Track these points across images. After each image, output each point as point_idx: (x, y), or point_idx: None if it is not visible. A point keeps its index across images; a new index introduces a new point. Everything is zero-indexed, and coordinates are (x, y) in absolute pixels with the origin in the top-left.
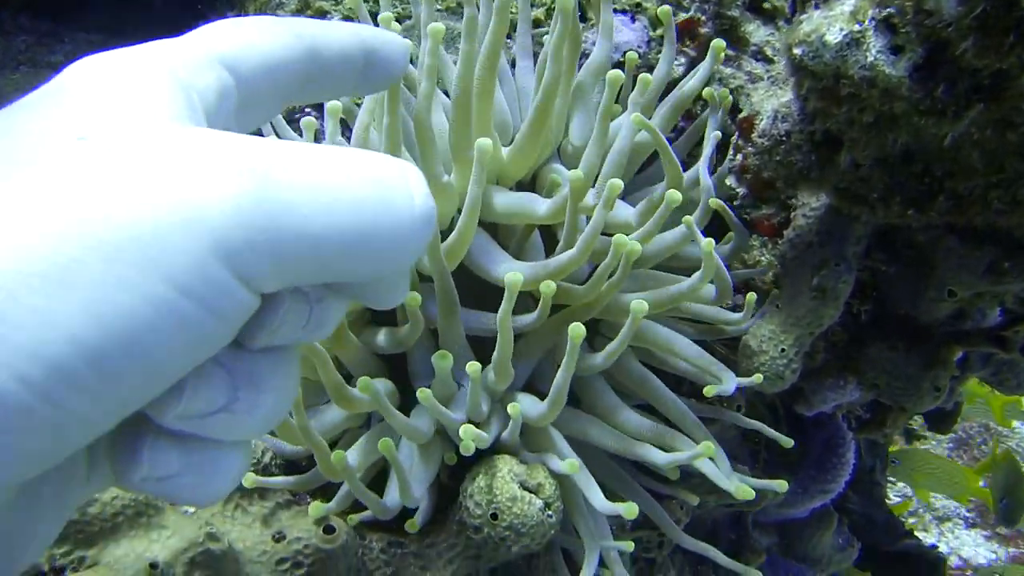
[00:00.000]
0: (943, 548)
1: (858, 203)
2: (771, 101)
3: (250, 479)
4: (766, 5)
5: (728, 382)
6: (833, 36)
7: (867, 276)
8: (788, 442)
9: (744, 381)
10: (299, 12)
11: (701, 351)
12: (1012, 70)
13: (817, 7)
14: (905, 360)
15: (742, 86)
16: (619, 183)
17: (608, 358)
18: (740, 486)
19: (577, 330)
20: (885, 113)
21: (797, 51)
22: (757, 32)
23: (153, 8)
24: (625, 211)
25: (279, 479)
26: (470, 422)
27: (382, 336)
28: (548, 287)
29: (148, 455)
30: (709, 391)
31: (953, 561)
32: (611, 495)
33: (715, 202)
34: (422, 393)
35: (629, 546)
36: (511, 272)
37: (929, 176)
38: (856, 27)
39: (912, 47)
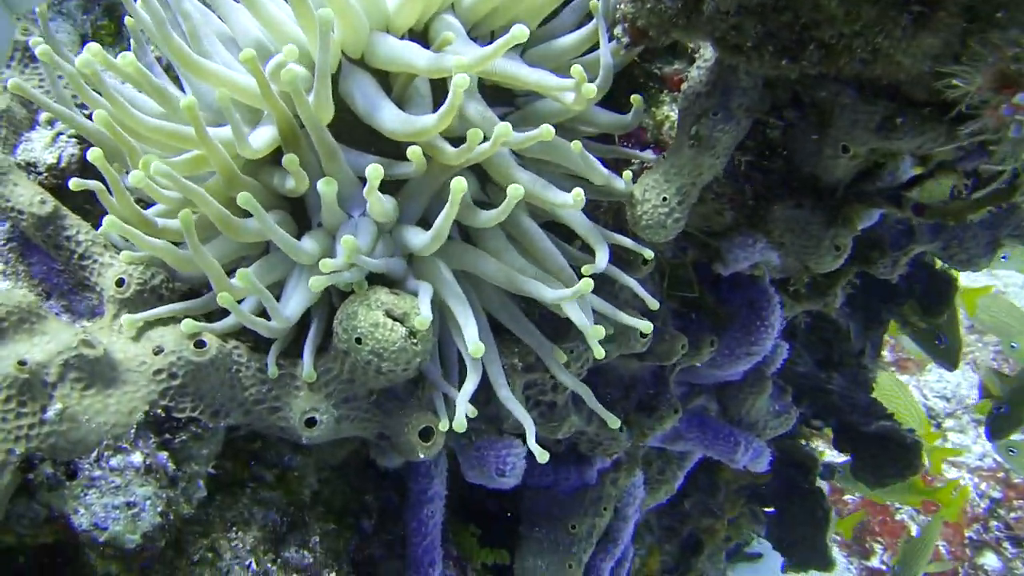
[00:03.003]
0: None
1: (736, 52)
2: None
3: (129, 321)
4: None
5: (600, 258)
6: None
7: (777, 135)
8: (648, 326)
9: (627, 242)
10: None
11: (585, 220)
12: None
13: None
14: (808, 218)
15: None
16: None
17: (488, 222)
18: (596, 328)
19: (459, 184)
20: None
21: None
22: None
23: None
24: (517, 68)
25: (164, 307)
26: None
27: (276, 179)
28: (414, 153)
29: None
30: (587, 270)
31: None
32: (503, 332)
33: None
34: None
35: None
36: (372, 166)
37: (799, 24)
38: None
39: None
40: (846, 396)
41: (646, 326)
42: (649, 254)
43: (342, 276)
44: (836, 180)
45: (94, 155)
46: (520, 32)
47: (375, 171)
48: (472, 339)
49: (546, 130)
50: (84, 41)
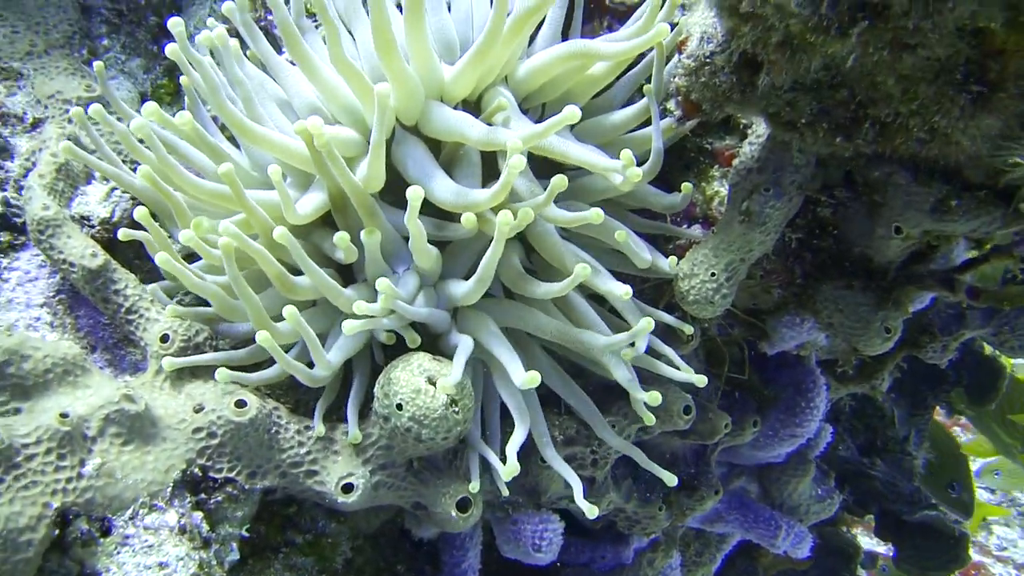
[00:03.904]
0: None
1: (789, 129)
2: (703, 22)
3: (168, 363)
4: None
5: (640, 346)
6: None
7: (828, 214)
8: (702, 380)
9: (667, 318)
10: None
11: (632, 306)
12: None
13: None
14: (859, 299)
15: (696, 2)
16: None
17: (546, 295)
18: (651, 394)
19: (505, 217)
20: (789, 33)
21: None
22: None
23: None
24: (565, 145)
25: (205, 355)
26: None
27: (328, 243)
28: (469, 220)
29: None
30: (627, 356)
31: None
32: (550, 396)
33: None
34: (382, 284)
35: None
36: (413, 188)
37: (855, 102)
38: None
39: None
40: (889, 483)
41: (700, 379)
42: (689, 329)
43: (381, 323)
44: (887, 261)
45: (140, 214)
46: (572, 114)
47: (415, 192)
48: (519, 374)
49: (595, 214)
50: (144, 99)
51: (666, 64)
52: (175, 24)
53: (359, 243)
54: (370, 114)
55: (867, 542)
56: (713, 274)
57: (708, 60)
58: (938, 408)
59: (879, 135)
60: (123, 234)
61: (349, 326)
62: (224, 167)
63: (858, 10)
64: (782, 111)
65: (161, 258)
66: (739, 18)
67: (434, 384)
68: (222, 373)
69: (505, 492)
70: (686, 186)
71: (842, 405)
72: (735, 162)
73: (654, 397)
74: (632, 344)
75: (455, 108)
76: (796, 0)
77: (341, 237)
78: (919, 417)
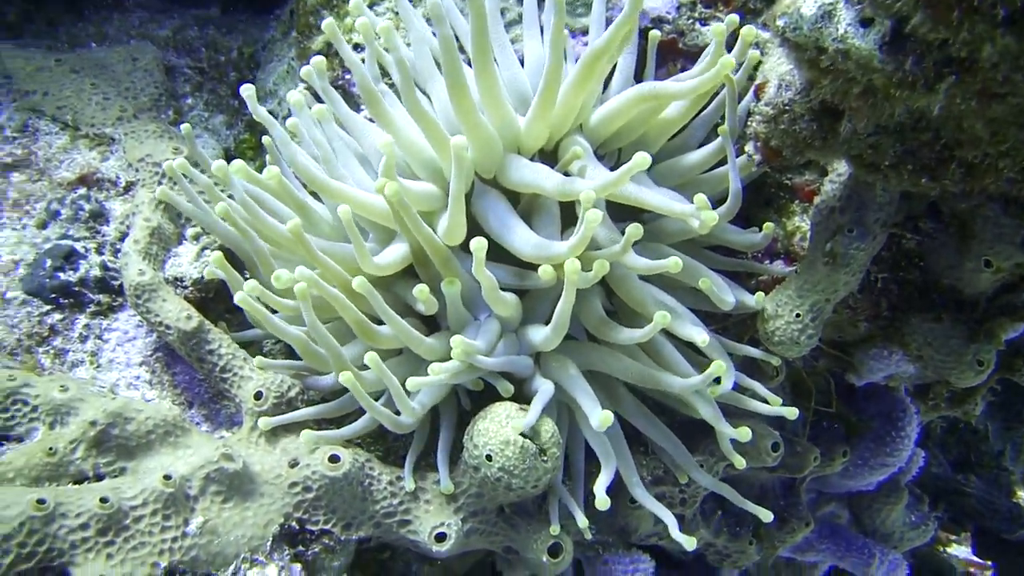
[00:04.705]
0: None
1: (872, 171)
2: (779, 68)
3: (264, 423)
4: None
5: (726, 384)
6: (808, 9)
7: (913, 246)
8: (793, 412)
9: (753, 352)
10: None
11: (716, 344)
12: (967, 42)
13: None
14: (948, 332)
15: (773, 43)
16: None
17: (629, 341)
18: (741, 430)
19: (572, 266)
20: (871, 85)
21: (780, 22)
22: None
23: None
24: (640, 192)
25: (298, 412)
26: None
27: (410, 295)
28: (547, 272)
29: None
30: (714, 392)
31: None
32: (635, 435)
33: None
34: (455, 341)
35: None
36: (477, 239)
37: (940, 144)
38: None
39: (881, 20)
40: (986, 500)
41: (791, 411)
42: (776, 361)
43: (460, 379)
44: (978, 292)
45: (215, 259)
46: (642, 160)
47: (478, 243)
48: (596, 416)
49: (673, 263)
50: (228, 153)
51: (739, 101)
52: (246, 90)
53: (442, 293)
54: (448, 166)
55: (962, 550)
56: (798, 315)
57: (787, 107)
58: None
59: (967, 175)
60: (208, 272)
61: (413, 383)
62: (291, 224)
63: (944, 65)
64: (864, 153)
65: (239, 297)
66: (819, 71)
67: (522, 435)
68: (306, 436)
69: (588, 536)
70: (768, 225)
71: (933, 426)
72: (816, 200)
73: (744, 432)
74: (718, 381)
75: (532, 159)
76: (879, 57)
77: (420, 290)
78: (1015, 430)
